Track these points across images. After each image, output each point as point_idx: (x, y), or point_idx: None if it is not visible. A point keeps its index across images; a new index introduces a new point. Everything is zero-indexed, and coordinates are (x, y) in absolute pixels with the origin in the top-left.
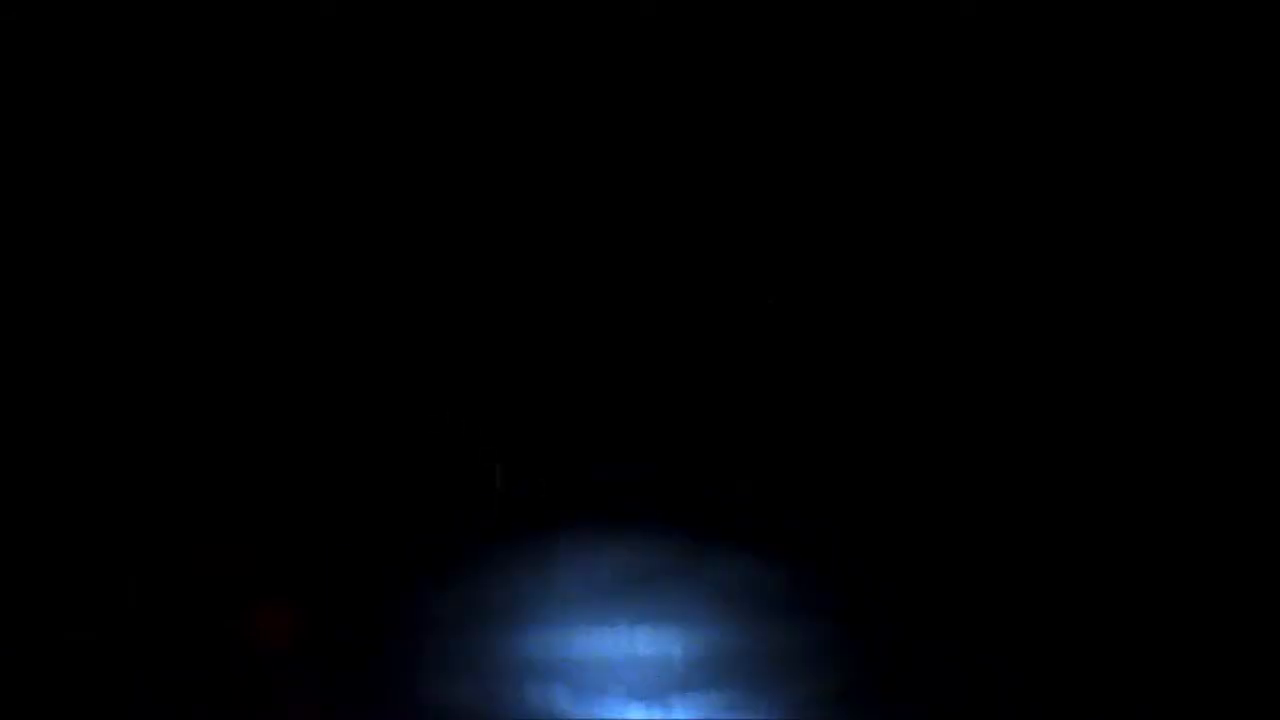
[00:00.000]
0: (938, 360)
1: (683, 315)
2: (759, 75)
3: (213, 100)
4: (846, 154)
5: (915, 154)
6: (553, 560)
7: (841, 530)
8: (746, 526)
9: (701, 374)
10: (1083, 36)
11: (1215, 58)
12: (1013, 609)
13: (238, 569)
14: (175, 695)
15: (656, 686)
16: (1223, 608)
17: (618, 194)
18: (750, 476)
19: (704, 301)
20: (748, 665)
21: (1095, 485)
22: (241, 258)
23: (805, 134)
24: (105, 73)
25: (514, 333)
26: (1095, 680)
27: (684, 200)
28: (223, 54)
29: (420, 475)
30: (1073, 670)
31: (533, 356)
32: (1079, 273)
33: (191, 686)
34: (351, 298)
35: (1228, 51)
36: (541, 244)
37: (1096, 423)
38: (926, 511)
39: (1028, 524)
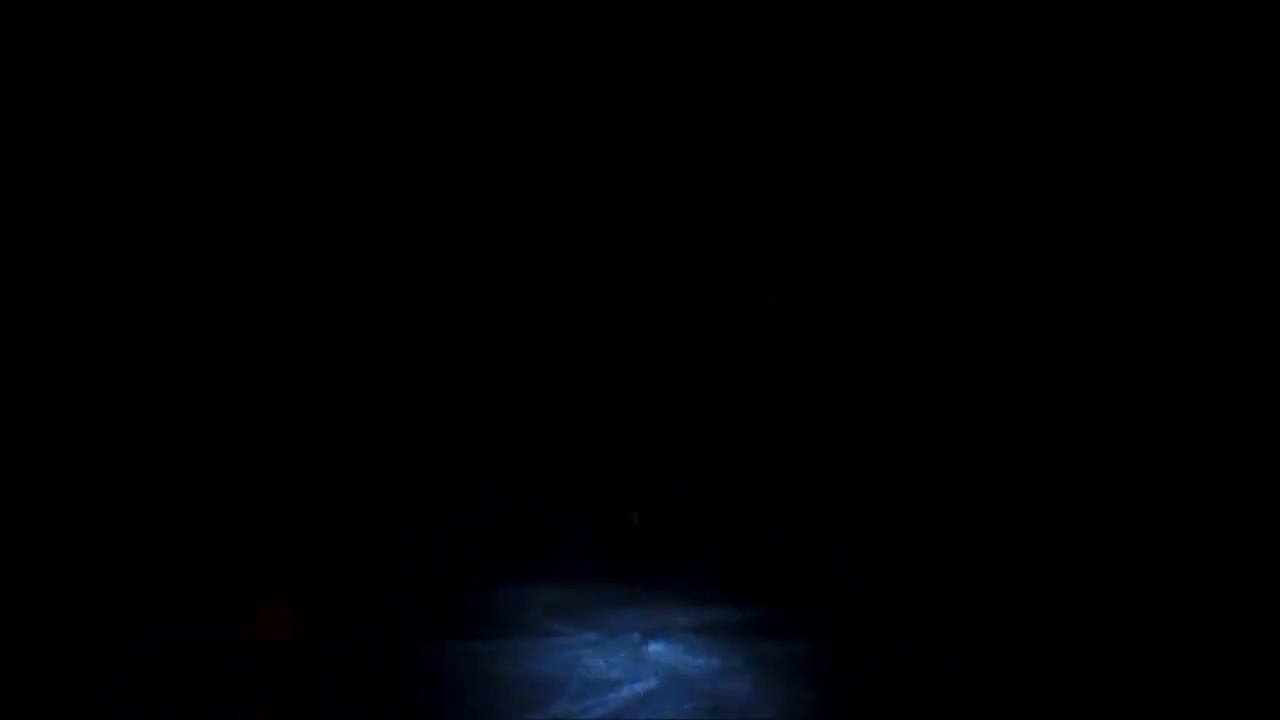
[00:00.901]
0: (939, 366)
1: (682, 321)
2: (759, 75)
3: (213, 100)
4: (846, 154)
5: (915, 154)
6: (543, 572)
7: (837, 542)
8: (737, 541)
9: (700, 379)
10: (1082, 36)
11: (1215, 58)
12: (1009, 629)
13: (238, 569)
14: (174, 694)
15: (651, 695)
16: (1221, 607)
17: (618, 196)
18: (742, 486)
19: (704, 304)
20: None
21: (1095, 494)
22: (241, 258)
23: (805, 134)
24: (106, 73)
25: (512, 340)
26: (1093, 684)
27: (685, 202)
28: (223, 54)
29: (419, 478)
30: (1070, 675)
31: (528, 368)
32: (1079, 273)
33: (191, 686)
34: (353, 303)
35: (1227, 51)
36: (540, 249)
37: (1096, 429)
38: (928, 521)
39: (1027, 553)
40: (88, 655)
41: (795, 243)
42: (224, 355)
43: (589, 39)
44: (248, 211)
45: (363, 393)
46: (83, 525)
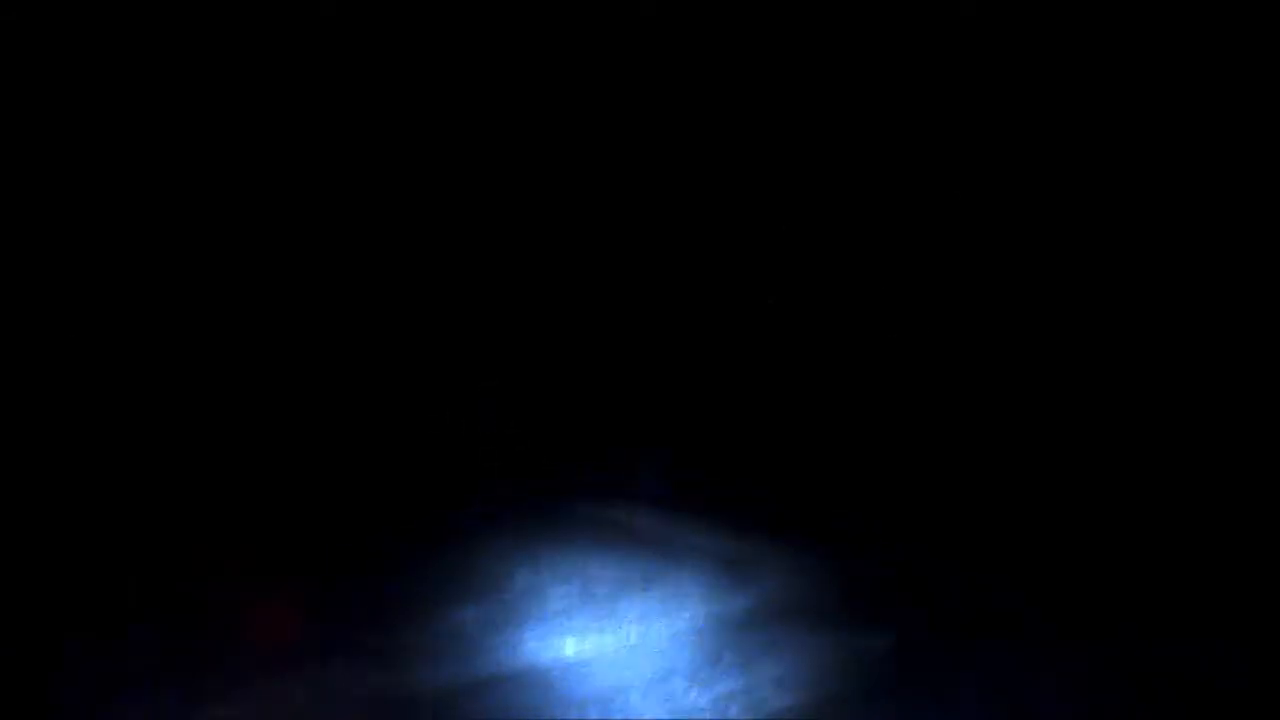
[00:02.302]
0: (940, 365)
1: (684, 318)
2: (759, 75)
3: (213, 100)
4: (846, 154)
5: (915, 154)
6: (553, 563)
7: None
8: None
9: (700, 376)
10: (1082, 36)
11: (1215, 58)
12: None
13: (238, 569)
14: (174, 692)
15: (659, 687)
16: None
17: (618, 196)
18: (749, 479)
19: (705, 302)
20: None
21: (1095, 496)
22: (241, 257)
23: (805, 134)
24: (106, 73)
25: (512, 338)
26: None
27: (685, 201)
28: (223, 54)
29: (418, 478)
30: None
31: (533, 360)
32: (1079, 273)
33: (190, 683)
34: (353, 301)
35: (1227, 51)
36: (540, 246)
37: (1096, 430)
38: (929, 511)
39: (1039, 539)
40: (88, 655)
41: (795, 243)
42: (223, 355)
43: (589, 39)
44: (247, 211)
45: (362, 393)
46: (83, 525)
